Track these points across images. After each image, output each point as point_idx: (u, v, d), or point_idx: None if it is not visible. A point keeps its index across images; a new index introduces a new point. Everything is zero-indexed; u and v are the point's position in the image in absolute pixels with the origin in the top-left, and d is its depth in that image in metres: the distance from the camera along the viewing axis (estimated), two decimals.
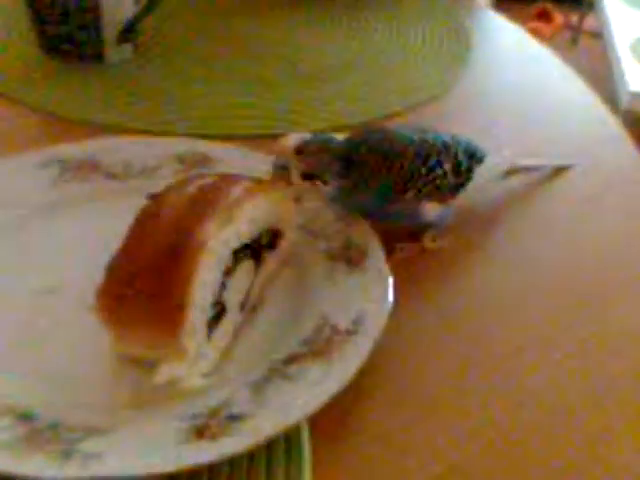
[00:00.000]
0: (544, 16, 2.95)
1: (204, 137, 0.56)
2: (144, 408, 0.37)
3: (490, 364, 0.43)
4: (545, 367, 0.43)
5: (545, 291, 0.48)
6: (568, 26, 2.93)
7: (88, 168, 0.51)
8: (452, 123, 0.64)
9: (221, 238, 0.39)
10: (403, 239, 0.50)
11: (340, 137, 0.46)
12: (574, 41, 2.86)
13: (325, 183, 0.45)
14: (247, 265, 0.42)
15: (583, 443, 0.39)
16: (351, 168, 0.45)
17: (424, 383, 0.41)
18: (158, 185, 0.46)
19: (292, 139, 0.45)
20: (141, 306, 0.37)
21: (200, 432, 0.35)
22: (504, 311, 0.47)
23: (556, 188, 0.57)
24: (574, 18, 2.88)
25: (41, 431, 0.35)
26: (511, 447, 0.38)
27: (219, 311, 0.39)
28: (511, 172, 0.55)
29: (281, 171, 0.45)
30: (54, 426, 0.36)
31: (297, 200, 0.47)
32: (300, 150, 0.44)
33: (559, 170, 0.59)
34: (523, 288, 0.48)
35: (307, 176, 0.45)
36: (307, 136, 0.45)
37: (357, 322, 0.41)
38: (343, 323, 0.41)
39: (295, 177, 0.45)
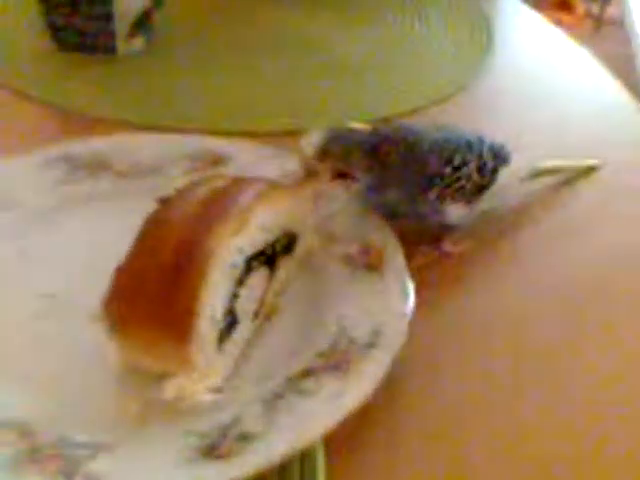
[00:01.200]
0: (565, 6, 2.90)
1: (219, 133, 0.55)
2: (151, 424, 0.35)
3: (516, 374, 0.41)
4: (576, 374, 0.41)
5: (573, 296, 0.46)
6: (589, 15, 2.88)
7: (96, 167, 0.50)
8: (475, 119, 0.62)
9: (233, 245, 0.37)
10: (423, 242, 0.48)
11: (361, 127, 0.44)
12: (596, 30, 2.81)
13: (355, 180, 0.43)
14: (261, 273, 0.40)
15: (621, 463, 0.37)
16: (377, 163, 0.43)
17: (444, 394, 0.39)
18: (168, 184, 0.44)
19: (313, 141, 0.43)
20: (148, 316, 0.35)
21: (210, 452, 0.34)
22: (529, 317, 0.44)
23: (584, 189, 0.55)
24: (595, 7, 2.83)
25: (44, 447, 0.34)
26: (539, 464, 0.36)
27: (230, 321, 0.38)
28: (538, 173, 0.52)
29: (310, 175, 0.43)
30: (57, 442, 0.34)
31: (314, 202, 0.45)
32: (324, 152, 0.42)
33: (586, 170, 0.56)
34: (549, 293, 0.46)
35: (338, 175, 0.43)
36: (324, 133, 0.43)
37: (376, 334, 0.39)
38: (361, 335, 0.39)
39: (326, 179, 0.43)
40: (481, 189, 0.47)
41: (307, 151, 0.43)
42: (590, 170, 0.56)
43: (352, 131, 0.44)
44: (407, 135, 0.44)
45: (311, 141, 0.43)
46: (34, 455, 0.33)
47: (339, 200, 0.46)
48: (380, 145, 0.43)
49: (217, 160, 0.51)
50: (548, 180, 0.54)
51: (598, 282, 0.47)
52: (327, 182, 0.43)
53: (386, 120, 0.60)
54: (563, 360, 0.42)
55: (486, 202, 0.48)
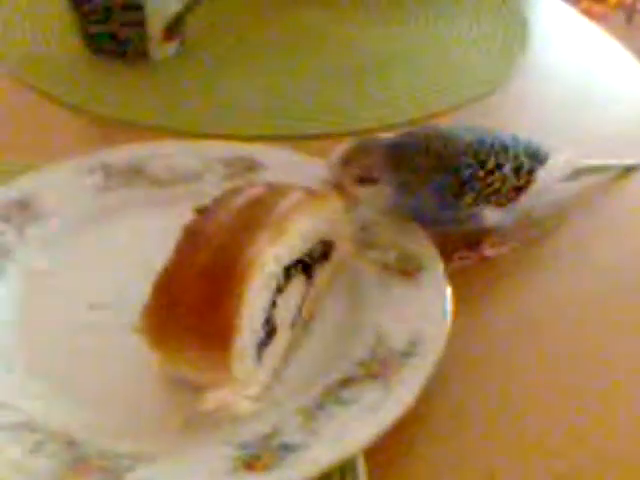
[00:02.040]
0: None
1: (253, 138, 0.55)
2: (192, 435, 0.35)
3: (560, 385, 0.40)
4: (618, 382, 0.40)
5: (614, 300, 0.45)
6: (622, 5, 2.83)
7: (132, 174, 0.50)
8: (510, 118, 0.61)
9: (271, 255, 0.37)
10: (461, 247, 0.47)
11: (387, 137, 0.44)
12: (628, 20, 2.76)
13: (378, 183, 0.43)
14: (298, 281, 0.40)
15: None
16: (403, 165, 0.43)
17: (485, 405, 0.39)
18: (203, 191, 0.44)
19: (337, 150, 0.43)
20: (188, 328, 0.35)
21: (251, 463, 0.34)
22: (571, 322, 0.44)
23: (626, 190, 0.54)
24: None
25: (87, 458, 0.34)
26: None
27: (269, 331, 0.37)
28: (577, 173, 0.51)
29: (338, 188, 0.43)
30: (100, 453, 0.34)
31: (350, 209, 0.44)
32: (346, 158, 0.42)
33: (630, 170, 0.55)
34: (590, 297, 0.45)
35: (361, 180, 0.43)
36: (351, 143, 0.43)
37: (414, 343, 0.38)
38: (400, 343, 0.39)
39: (350, 186, 0.43)
40: (518, 191, 0.46)
41: (332, 160, 0.43)
42: (631, 170, 0.55)
43: (374, 138, 0.44)
44: (436, 139, 0.44)
45: (336, 151, 0.43)
46: (77, 465, 0.34)
47: (375, 207, 0.45)
48: (403, 149, 0.43)
49: (252, 166, 0.50)
50: (588, 180, 0.53)
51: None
52: (351, 188, 0.43)
53: (417, 122, 0.59)
54: (605, 368, 0.41)
55: (525, 204, 0.47)
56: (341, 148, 0.43)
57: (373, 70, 0.67)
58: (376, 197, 0.44)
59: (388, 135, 0.44)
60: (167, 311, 0.35)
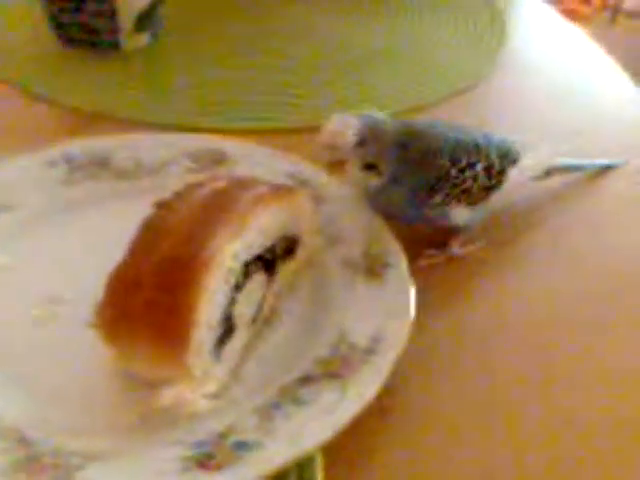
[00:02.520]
0: None
1: (223, 131, 0.54)
2: (146, 433, 0.35)
3: (523, 382, 0.40)
4: (591, 381, 0.40)
5: (587, 300, 0.45)
6: (605, 6, 2.84)
7: (97, 167, 0.49)
8: (487, 115, 0.61)
9: (231, 251, 0.36)
10: (429, 244, 0.47)
11: (381, 115, 0.43)
12: (613, 21, 2.77)
13: (380, 173, 0.42)
14: (259, 278, 0.39)
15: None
16: (404, 154, 0.42)
17: (447, 404, 0.38)
18: (170, 184, 0.43)
19: (347, 127, 0.41)
20: (144, 324, 0.34)
21: (205, 461, 0.33)
22: (540, 322, 0.43)
23: (598, 190, 0.53)
24: None
25: (39, 456, 0.33)
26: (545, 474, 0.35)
27: (228, 328, 0.37)
28: (550, 173, 0.51)
29: (339, 166, 0.42)
30: (52, 451, 0.33)
31: (315, 203, 0.44)
32: (362, 141, 0.41)
33: (602, 170, 0.55)
34: (560, 298, 0.45)
35: (367, 166, 0.42)
36: (359, 119, 0.41)
37: (376, 340, 0.38)
38: (361, 340, 0.38)
39: (356, 169, 0.42)
40: (489, 191, 0.46)
41: (343, 138, 0.41)
42: (605, 170, 0.55)
43: (381, 120, 0.42)
44: (417, 139, 0.43)
45: (347, 126, 0.41)
46: (29, 464, 0.33)
47: (341, 203, 0.45)
48: (409, 143, 0.42)
49: (218, 160, 0.50)
50: (562, 180, 0.53)
51: (614, 286, 0.46)
52: (355, 173, 0.42)
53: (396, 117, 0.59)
54: (577, 366, 0.41)
55: (495, 203, 0.47)
56: (356, 122, 0.41)
57: (353, 65, 0.66)
58: (369, 185, 0.43)
59: (390, 119, 0.43)
60: (121, 306, 0.35)
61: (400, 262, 0.42)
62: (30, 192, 0.47)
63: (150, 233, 0.36)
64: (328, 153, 0.41)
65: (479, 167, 0.45)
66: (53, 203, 0.47)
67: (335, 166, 0.42)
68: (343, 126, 0.41)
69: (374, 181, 0.43)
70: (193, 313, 0.34)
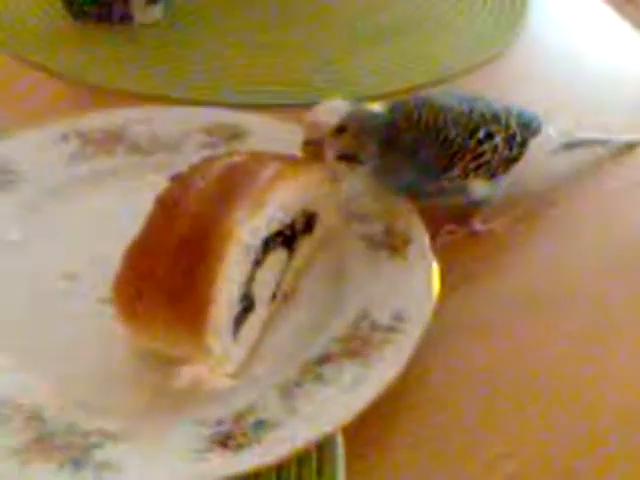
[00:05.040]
0: None
1: (237, 106, 0.53)
2: (164, 412, 0.34)
3: (549, 360, 0.39)
4: (616, 360, 0.39)
5: (612, 276, 0.44)
6: None
7: (110, 141, 0.48)
8: (508, 88, 0.59)
9: (250, 227, 0.35)
10: (450, 221, 0.46)
11: (379, 108, 0.42)
12: None
13: (361, 163, 0.41)
14: (279, 254, 0.38)
15: None
16: (390, 148, 0.41)
17: (470, 384, 0.37)
18: (184, 159, 0.42)
19: (328, 113, 0.40)
20: (161, 301, 0.33)
21: (225, 441, 0.32)
22: (564, 297, 0.42)
23: (622, 166, 0.52)
24: None
25: (52, 435, 0.33)
26: (566, 460, 0.34)
27: (247, 305, 0.36)
28: (572, 145, 0.49)
29: (313, 148, 0.40)
30: (67, 430, 0.33)
31: (335, 180, 0.43)
32: (340, 129, 0.40)
33: (628, 146, 0.53)
34: (586, 273, 0.44)
35: (343, 156, 0.41)
36: (342, 108, 0.40)
37: (398, 318, 0.37)
38: (383, 318, 0.37)
39: (330, 158, 0.41)
40: (509, 163, 0.45)
41: (323, 121, 0.40)
42: (631, 145, 0.53)
43: (370, 112, 0.41)
44: (426, 109, 0.42)
45: (330, 111, 0.40)
46: (42, 443, 0.32)
47: (361, 179, 0.44)
48: (394, 132, 0.41)
49: (235, 134, 0.49)
50: (586, 153, 0.51)
51: (635, 266, 0.45)
52: (329, 161, 0.41)
53: (411, 90, 0.58)
54: (600, 345, 0.40)
55: (517, 176, 0.46)
56: (332, 110, 0.40)
57: (371, 39, 0.65)
58: (354, 175, 0.42)
59: (379, 107, 0.42)
60: (138, 283, 0.34)
61: (422, 239, 0.41)
62: (42, 167, 0.46)
63: (166, 208, 0.35)
64: (306, 133, 0.40)
65: (499, 138, 0.43)
66: (66, 178, 0.46)
67: (310, 147, 0.40)
68: (326, 111, 0.40)
69: (353, 171, 0.42)
70: (211, 290, 0.33)
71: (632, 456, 0.35)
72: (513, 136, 0.44)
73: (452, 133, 0.42)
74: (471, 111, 0.43)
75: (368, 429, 0.34)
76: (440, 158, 0.42)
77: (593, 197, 0.49)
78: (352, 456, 0.33)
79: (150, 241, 0.34)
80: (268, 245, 0.37)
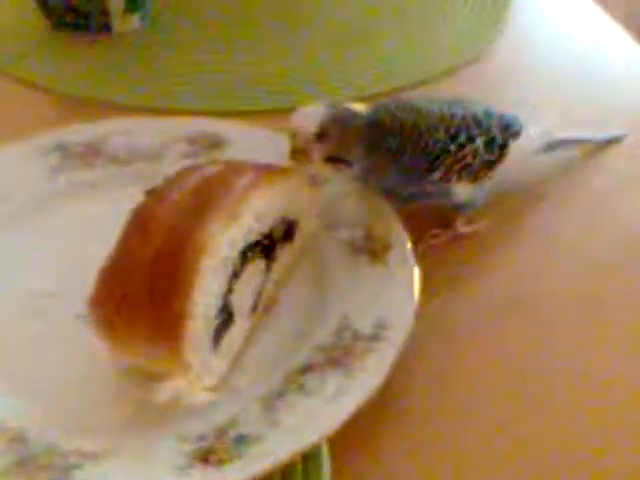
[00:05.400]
0: None
1: (218, 114, 0.52)
2: (145, 429, 0.34)
3: (535, 364, 0.38)
4: (603, 362, 0.39)
5: (597, 276, 0.43)
6: None
7: (91, 153, 0.48)
8: (492, 86, 0.59)
9: (226, 238, 0.35)
10: (433, 223, 0.45)
11: (361, 108, 0.41)
12: None
13: (348, 165, 0.41)
14: (258, 264, 0.38)
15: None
16: (375, 148, 0.41)
17: (456, 389, 0.37)
18: (165, 170, 0.42)
19: (308, 119, 0.40)
20: (137, 317, 0.33)
21: (205, 456, 0.32)
22: (548, 299, 0.42)
23: (605, 164, 0.51)
24: None
25: (34, 457, 0.32)
26: (561, 463, 0.34)
27: (226, 318, 0.36)
28: (554, 146, 0.49)
29: (301, 155, 0.40)
30: (47, 450, 0.33)
31: (314, 186, 0.42)
32: (322, 134, 0.40)
33: (608, 143, 0.53)
34: (571, 274, 0.43)
35: (330, 159, 0.41)
36: (324, 111, 0.40)
37: (380, 326, 0.37)
38: (365, 327, 0.37)
39: (317, 162, 0.40)
40: (491, 166, 0.44)
41: (303, 128, 0.40)
42: (612, 142, 0.53)
43: (352, 113, 0.41)
44: (409, 115, 0.42)
45: (309, 117, 0.40)
46: (23, 464, 0.32)
47: (341, 183, 0.43)
48: (378, 132, 0.41)
49: (215, 143, 0.48)
50: (568, 153, 0.51)
51: (624, 262, 0.44)
52: (318, 165, 0.40)
53: (396, 91, 0.57)
54: (587, 345, 0.40)
55: (499, 178, 0.45)
56: (315, 114, 0.40)
57: (351, 40, 0.64)
58: (341, 177, 0.42)
59: (360, 107, 0.42)
60: (114, 299, 0.33)
61: (404, 243, 0.41)
62: (22, 182, 0.46)
63: (141, 223, 0.35)
64: (290, 142, 0.40)
65: (479, 141, 0.43)
66: (45, 192, 0.46)
67: (297, 154, 0.40)
68: (305, 117, 0.40)
69: (341, 172, 0.42)
70: (187, 305, 0.33)
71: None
72: (493, 139, 0.44)
73: (433, 137, 0.42)
74: (452, 115, 0.43)
75: (353, 439, 0.34)
76: (422, 161, 0.42)
77: (578, 196, 0.49)
78: (338, 467, 0.33)
79: (125, 256, 0.34)
80: (246, 256, 0.36)
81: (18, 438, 0.33)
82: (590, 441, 0.35)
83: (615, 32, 0.68)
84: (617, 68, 0.63)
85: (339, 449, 0.33)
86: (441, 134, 0.42)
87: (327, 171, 0.42)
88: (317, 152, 0.40)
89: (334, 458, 0.33)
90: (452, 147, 0.42)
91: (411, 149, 0.41)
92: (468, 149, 0.43)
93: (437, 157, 0.42)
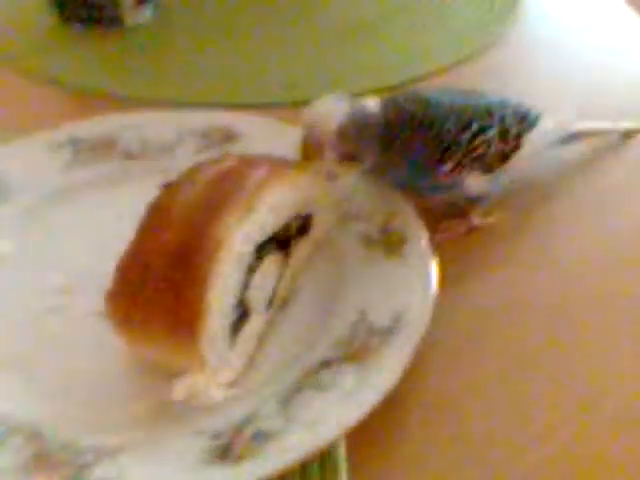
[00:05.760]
0: None
1: (233, 107, 0.52)
2: (161, 425, 0.33)
3: (553, 357, 0.38)
4: (617, 356, 0.38)
5: (615, 271, 0.43)
6: None
7: (104, 148, 0.48)
8: (503, 79, 0.58)
9: (241, 233, 0.34)
10: (448, 216, 0.45)
11: (373, 105, 0.41)
12: None
13: (360, 163, 0.41)
14: (274, 259, 0.37)
15: None
16: (388, 144, 0.40)
17: (474, 385, 0.37)
18: (179, 164, 0.42)
19: (326, 114, 0.39)
20: (154, 313, 0.33)
21: (223, 453, 0.32)
22: (565, 293, 0.41)
23: (623, 156, 0.51)
24: None
25: (50, 453, 0.32)
26: (564, 466, 0.34)
27: (242, 313, 0.35)
28: (570, 137, 0.48)
29: (313, 150, 0.40)
30: (65, 447, 0.32)
31: (329, 180, 0.42)
32: (341, 133, 0.39)
33: (627, 135, 0.52)
34: (587, 268, 0.43)
35: (344, 157, 0.40)
36: (342, 109, 0.39)
37: (397, 319, 0.36)
38: (381, 320, 0.37)
39: (330, 159, 0.40)
40: (505, 157, 0.44)
41: (321, 126, 0.39)
42: (631, 133, 0.52)
43: (366, 111, 0.40)
44: (418, 107, 0.41)
45: (328, 115, 0.39)
46: (40, 460, 0.32)
47: (357, 177, 0.43)
48: (391, 129, 0.40)
49: (229, 136, 0.48)
50: (586, 145, 0.51)
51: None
52: (330, 162, 0.40)
53: (406, 84, 0.57)
54: (608, 334, 0.39)
55: (515, 170, 0.45)
56: (334, 113, 0.39)
57: (361, 32, 0.64)
58: (350, 174, 0.42)
59: (373, 103, 0.41)
60: (131, 295, 0.33)
61: (420, 236, 0.40)
62: (35, 177, 0.46)
63: (157, 218, 0.35)
64: (305, 138, 0.39)
65: (492, 131, 0.42)
66: (58, 188, 0.45)
67: (310, 151, 0.40)
68: (323, 115, 0.39)
69: (354, 170, 0.41)
70: (204, 301, 0.33)
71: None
72: (508, 129, 0.43)
73: (444, 127, 0.41)
74: (464, 105, 0.42)
75: (370, 434, 0.34)
76: (433, 153, 0.41)
77: (593, 189, 0.48)
78: (355, 462, 0.33)
79: (142, 251, 0.34)
80: (262, 250, 0.36)
81: (35, 435, 0.33)
82: (590, 441, 0.35)
83: (628, 23, 0.67)
84: (633, 59, 0.62)
85: (356, 445, 0.33)
86: (451, 124, 0.41)
87: (338, 168, 0.42)
88: (333, 150, 0.40)
89: (351, 454, 0.33)
90: (463, 138, 0.41)
91: (422, 141, 0.41)
92: (480, 140, 0.42)
93: (448, 148, 0.41)
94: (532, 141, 0.45)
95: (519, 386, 0.37)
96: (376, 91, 0.55)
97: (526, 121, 0.45)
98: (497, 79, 0.58)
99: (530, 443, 0.34)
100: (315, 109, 0.40)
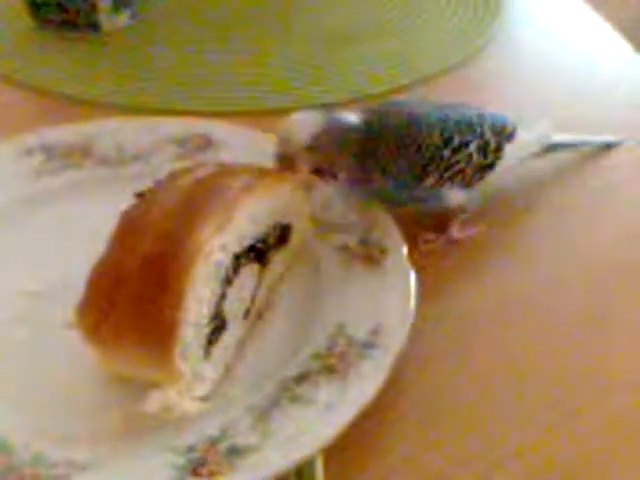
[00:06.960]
0: None
1: (211, 114, 0.51)
2: (134, 439, 0.32)
3: (532, 372, 0.38)
4: (597, 363, 0.38)
5: (594, 282, 0.43)
6: None
7: (77, 154, 0.47)
8: (485, 88, 0.58)
9: (218, 243, 0.34)
10: (428, 229, 0.45)
11: (353, 117, 0.40)
12: None
13: (335, 177, 0.40)
14: (251, 269, 0.37)
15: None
16: (366, 157, 0.40)
17: (452, 397, 0.36)
18: (154, 172, 0.41)
19: (301, 127, 0.39)
20: (126, 325, 0.32)
21: (197, 469, 0.31)
22: (546, 306, 0.41)
23: (601, 168, 0.51)
24: None
25: (19, 467, 0.31)
26: (562, 467, 0.33)
27: (219, 324, 0.35)
28: (549, 149, 0.48)
29: (286, 162, 0.39)
30: (34, 461, 0.31)
31: (308, 190, 0.41)
32: (312, 146, 0.38)
33: (605, 148, 0.52)
34: (566, 280, 0.43)
35: (316, 170, 0.40)
36: (316, 121, 0.39)
37: (375, 332, 0.36)
38: (360, 332, 0.36)
39: (303, 171, 0.39)
40: (484, 170, 0.44)
41: (293, 136, 0.39)
42: (609, 146, 0.52)
43: (344, 124, 0.40)
44: (398, 118, 0.41)
45: (301, 126, 0.39)
46: (9, 475, 0.31)
47: (336, 188, 0.42)
48: (370, 142, 0.40)
49: (206, 144, 0.47)
50: (564, 157, 0.51)
51: (620, 266, 0.44)
52: (304, 174, 0.39)
53: (386, 94, 0.57)
54: (583, 350, 0.39)
55: (494, 182, 0.45)
56: (308, 124, 0.39)
57: (342, 42, 0.63)
58: (328, 185, 0.42)
59: (352, 115, 0.41)
60: (103, 306, 0.32)
61: (399, 249, 0.40)
62: (4, 183, 0.44)
63: (131, 227, 0.34)
64: (278, 148, 0.39)
65: (473, 146, 0.42)
66: (29, 194, 0.44)
67: (284, 161, 0.39)
68: (297, 126, 0.39)
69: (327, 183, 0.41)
70: (179, 312, 0.32)
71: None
72: (487, 143, 0.43)
73: (425, 142, 0.41)
74: (445, 120, 0.42)
75: (348, 448, 0.33)
76: (414, 167, 0.41)
77: (575, 197, 0.48)
78: (332, 477, 0.32)
79: (114, 261, 0.33)
80: (239, 261, 0.35)
81: (3, 448, 0.32)
82: (591, 442, 0.35)
83: (607, 34, 0.68)
84: (610, 69, 0.63)
85: (333, 459, 0.32)
86: (434, 139, 0.41)
87: (313, 179, 0.41)
88: (305, 162, 0.39)
89: (328, 469, 0.32)
90: (445, 152, 0.41)
91: (403, 155, 0.40)
92: (461, 154, 0.42)
93: (429, 162, 0.41)
94: (511, 154, 0.45)
95: (503, 394, 0.36)
96: (356, 101, 0.55)
97: (504, 134, 0.45)
98: (478, 90, 0.58)
99: (515, 450, 0.34)
100: (289, 120, 0.39)
